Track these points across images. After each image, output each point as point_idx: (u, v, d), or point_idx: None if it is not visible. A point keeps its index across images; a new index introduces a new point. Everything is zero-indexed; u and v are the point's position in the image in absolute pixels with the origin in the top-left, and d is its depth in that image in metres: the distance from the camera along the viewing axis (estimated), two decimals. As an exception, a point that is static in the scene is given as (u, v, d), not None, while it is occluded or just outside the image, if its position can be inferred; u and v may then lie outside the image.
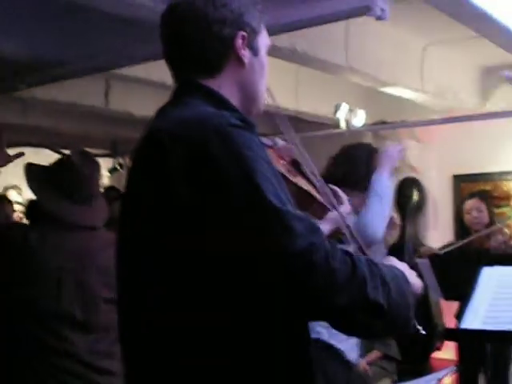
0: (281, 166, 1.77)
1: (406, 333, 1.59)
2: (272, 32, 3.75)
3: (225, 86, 1.62)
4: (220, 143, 1.42)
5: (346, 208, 2.13)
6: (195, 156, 1.42)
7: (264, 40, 1.71)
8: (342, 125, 6.02)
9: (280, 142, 1.89)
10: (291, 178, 1.70)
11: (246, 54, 1.64)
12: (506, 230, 5.60)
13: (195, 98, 1.58)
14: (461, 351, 5.26)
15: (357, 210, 3.16)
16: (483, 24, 3.98)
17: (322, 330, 2.97)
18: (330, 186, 2.06)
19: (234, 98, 1.63)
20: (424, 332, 2.15)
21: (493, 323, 2.35)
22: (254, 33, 1.66)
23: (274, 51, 4.70)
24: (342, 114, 6.00)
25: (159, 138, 1.48)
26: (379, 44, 5.19)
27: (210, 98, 1.58)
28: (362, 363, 4.63)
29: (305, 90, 6.32)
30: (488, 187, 6.73)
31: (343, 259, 1.41)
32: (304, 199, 1.92)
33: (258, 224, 1.37)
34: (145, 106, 5.25)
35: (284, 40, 4.30)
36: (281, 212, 1.38)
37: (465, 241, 5.16)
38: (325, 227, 1.98)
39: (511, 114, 5.52)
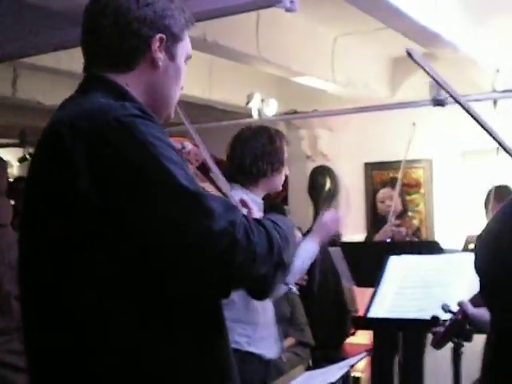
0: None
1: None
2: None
3: (133, 84, 1.60)
4: (123, 133, 1.41)
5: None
6: (97, 147, 1.41)
7: (185, 48, 1.70)
8: (255, 114, 6.04)
9: (189, 146, 1.88)
10: (199, 183, 1.69)
11: (161, 56, 1.62)
12: (415, 222, 5.72)
13: (99, 90, 1.56)
14: (374, 337, 5.38)
15: (281, 184, 3.25)
16: (391, 16, 4.05)
17: (241, 339, 2.98)
18: (241, 196, 2.05)
19: (140, 98, 1.60)
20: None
21: (398, 312, 2.41)
22: (173, 38, 1.64)
23: (185, 40, 4.67)
24: (254, 104, 6.01)
25: (59, 131, 1.46)
26: (290, 34, 5.22)
27: (114, 91, 1.56)
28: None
29: (218, 80, 6.31)
30: (398, 175, 6.87)
31: (259, 231, 1.46)
32: None
33: (177, 209, 1.37)
34: (53, 94, 5.15)
35: (194, 29, 4.25)
36: (197, 195, 1.39)
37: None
38: None
39: (420, 103, 5.64)
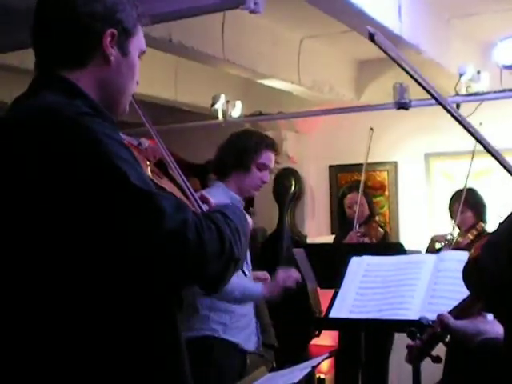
0: (145, 168, 1.74)
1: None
2: (146, 22, 3.71)
3: (84, 80, 1.58)
4: (73, 132, 1.40)
5: None
6: (48, 147, 1.39)
7: (138, 43, 1.68)
8: (220, 116, 6.04)
9: (146, 143, 1.87)
10: (155, 180, 1.68)
11: (113, 52, 1.60)
12: (381, 230, 5.74)
13: (50, 88, 1.54)
14: (338, 338, 5.41)
15: (258, 187, 3.42)
16: (355, 18, 4.07)
17: (217, 327, 3.08)
18: (201, 192, 2.05)
19: (92, 94, 1.58)
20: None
21: (359, 312, 2.42)
22: (125, 33, 1.62)
23: (149, 41, 4.63)
24: (219, 105, 6.01)
25: (9, 130, 1.45)
26: (256, 36, 5.23)
27: (65, 89, 1.54)
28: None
29: (184, 81, 6.29)
30: (362, 178, 6.91)
31: (210, 228, 1.46)
32: None
33: (128, 209, 1.37)
34: (17, 94, 5.08)
35: (159, 30, 4.26)
36: (148, 194, 1.39)
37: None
38: None
39: (383, 106, 5.68)
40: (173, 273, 1.42)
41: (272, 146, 3.37)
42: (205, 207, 1.77)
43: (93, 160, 1.38)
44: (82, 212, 1.38)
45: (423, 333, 1.83)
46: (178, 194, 1.87)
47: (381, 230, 5.63)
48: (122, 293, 1.45)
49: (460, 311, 1.75)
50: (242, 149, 3.28)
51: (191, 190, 1.90)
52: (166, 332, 1.55)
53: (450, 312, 1.77)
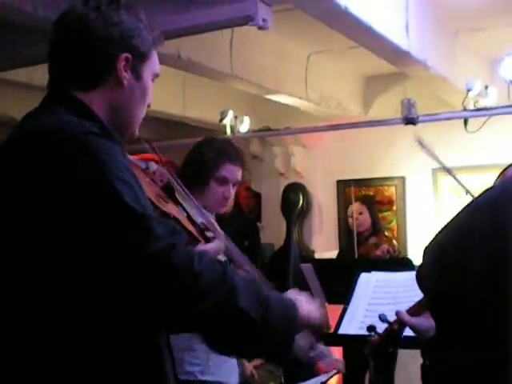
0: (151, 192, 1.73)
1: (283, 358, 1.57)
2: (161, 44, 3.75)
3: (97, 102, 1.60)
4: (78, 149, 1.41)
5: (218, 243, 1.97)
6: (52, 162, 1.41)
7: (152, 67, 1.69)
8: (228, 131, 6.06)
9: (154, 166, 1.86)
10: (160, 205, 1.68)
11: (126, 76, 1.62)
12: (394, 242, 5.76)
13: (61, 106, 1.55)
14: (345, 354, 5.38)
15: (221, 203, 3.05)
16: (363, 34, 4.08)
17: (193, 369, 2.77)
18: (210, 218, 2.01)
19: (104, 115, 1.60)
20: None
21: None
22: (140, 57, 1.64)
23: (158, 57, 4.67)
24: (227, 121, 6.03)
25: (18, 145, 1.47)
26: (264, 52, 5.25)
27: (76, 108, 1.56)
28: (249, 367, 4.66)
29: (192, 96, 6.32)
30: (371, 192, 6.92)
31: (211, 265, 1.43)
32: None
33: (117, 227, 1.37)
34: (26, 110, 5.11)
35: (168, 46, 4.29)
36: (139, 214, 1.39)
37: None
38: None
39: (391, 121, 5.69)
40: (157, 298, 1.38)
41: (235, 158, 3.00)
42: (210, 234, 1.75)
43: (91, 177, 1.40)
44: (73, 225, 1.39)
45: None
46: (184, 218, 1.86)
47: (394, 241, 5.65)
48: (101, 312, 1.44)
49: (415, 309, 1.93)
50: (201, 162, 2.95)
51: (197, 216, 1.88)
52: (145, 352, 1.51)
53: (407, 310, 1.91)
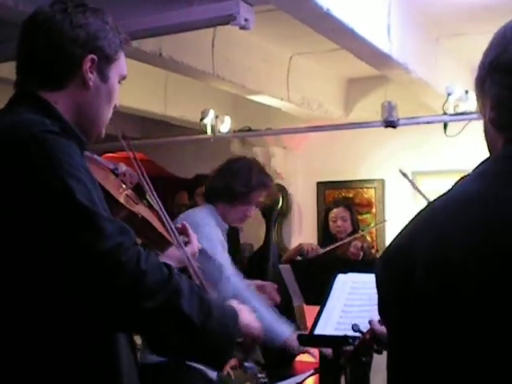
0: (119, 193, 1.73)
1: (218, 364, 1.61)
2: (137, 36, 3.73)
3: (62, 102, 1.62)
4: (34, 146, 1.43)
5: (192, 248, 2.03)
6: (10, 159, 1.44)
7: (118, 69, 1.71)
8: (209, 131, 6.05)
9: (123, 167, 1.87)
10: (128, 205, 1.68)
11: (92, 77, 1.64)
12: (368, 238, 5.81)
13: (25, 106, 1.58)
14: (321, 355, 5.39)
15: (242, 220, 3.25)
16: (345, 37, 4.09)
17: None
18: (182, 222, 2.02)
19: (69, 116, 1.62)
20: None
21: (344, 329, 2.43)
22: (106, 59, 1.66)
23: (139, 55, 4.68)
24: (208, 120, 6.03)
25: None
26: (246, 53, 5.25)
27: (40, 108, 1.58)
28: (226, 368, 4.67)
29: (173, 95, 6.31)
30: (350, 195, 6.94)
31: (158, 266, 1.45)
32: (142, 228, 1.84)
33: (67, 222, 1.39)
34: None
35: (150, 44, 4.28)
36: (90, 212, 1.40)
37: (327, 248, 5.31)
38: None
39: (372, 124, 5.71)
40: (103, 295, 1.39)
41: (268, 186, 3.23)
42: (182, 239, 1.75)
43: (43, 174, 1.41)
44: (24, 221, 1.41)
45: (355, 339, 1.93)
46: (155, 220, 1.86)
47: (367, 238, 5.69)
48: (52, 310, 1.46)
49: None
50: (244, 183, 3.14)
51: (168, 218, 1.89)
52: (100, 355, 1.53)
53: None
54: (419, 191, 4.48)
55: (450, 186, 1.24)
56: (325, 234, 5.80)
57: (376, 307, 2.20)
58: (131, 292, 1.39)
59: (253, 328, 1.71)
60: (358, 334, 2.25)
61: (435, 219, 1.17)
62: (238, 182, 3.16)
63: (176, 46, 4.53)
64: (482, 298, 1.05)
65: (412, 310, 1.14)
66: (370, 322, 1.92)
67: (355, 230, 5.59)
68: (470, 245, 1.07)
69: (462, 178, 1.21)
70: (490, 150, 1.27)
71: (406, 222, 1.27)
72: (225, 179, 3.19)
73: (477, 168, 1.20)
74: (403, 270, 1.16)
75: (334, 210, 5.66)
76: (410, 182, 2.43)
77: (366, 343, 1.91)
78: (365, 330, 2.15)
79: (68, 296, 1.42)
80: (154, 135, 6.99)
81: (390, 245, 1.24)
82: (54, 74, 1.62)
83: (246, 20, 3.35)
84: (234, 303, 1.72)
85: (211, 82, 5.32)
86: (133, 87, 5.76)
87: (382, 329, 1.84)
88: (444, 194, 1.23)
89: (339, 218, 5.57)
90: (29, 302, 1.44)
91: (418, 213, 1.25)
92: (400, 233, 1.24)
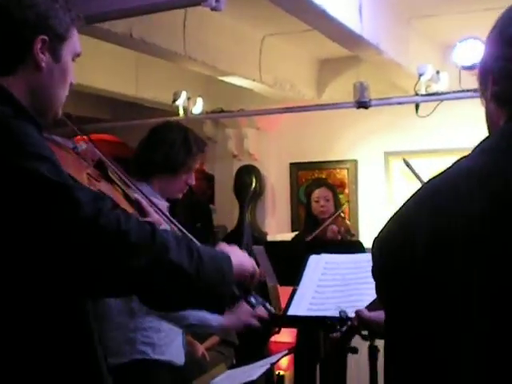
0: (80, 171, 1.72)
1: (219, 307, 1.63)
2: (108, 17, 3.69)
3: (15, 85, 1.59)
4: None
5: (153, 219, 1.98)
6: None
7: (71, 47, 1.69)
8: (181, 112, 6.02)
9: (83, 146, 1.85)
10: (90, 184, 1.67)
11: (44, 58, 1.61)
12: (348, 222, 5.82)
13: None
14: (297, 336, 5.43)
15: (182, 190, 3.08)
16: (316, 18, 4.09)
17: (145, 348, 2.86)
18: (163, 203, 2.00)
19: (24, 99, 1.60)
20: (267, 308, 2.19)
21: (317, 310, 2.44)
22: (58, 39, 1.63)
23: (109, 36, 4.62)
24: (180, 102, 5.99)
25: None
26: (218, 34, 5.22)
27: None
28: (201, 349, 4.68)
29: (145, 77, 6.26)
30: (323, 175, 6.97)
31: (139, 224, 1.45)
32: None
33: (40, 200, 1.38)
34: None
35: (120, 26, 4.24)
36: (62, 187, 1.40)
37: (313, 234, 5.31)
38: None
39: (344, 105, 5.72)
40: (91, 262, 1.39)
41: (204, 150, 3.12)
42: (148, 218, 1.74)
43: (4, 161, 1.39)
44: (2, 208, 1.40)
45: (342, 326, 1.93)
46: (119, 196, 1.85)
47: (347, 221, 5.70)
48: (37, 290, 1.46)
49: (374, 303, 1.92)
50: (173, 152, 3.00)
51: (132, 193, 1.88)
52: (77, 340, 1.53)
53: (367, 306, 1.91)
54: (422, 182, 4.49)
55: (447, 166, 1.24)
56: (308, 215, 5.78)
57: (349, 287, 2.21)
58: (118, 253, 1.39)
59: (246, 265, 1.72)
60: (333, 314, 2.26)
61: (434, 197, 1.18)
62: (180, 151, 3.02)
63: (147, 28, 4.49)
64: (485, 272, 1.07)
65: (413, 286, 1.15)
66: (358, 312, 1.92)
67: (336, 210, 5.59)
68: (476, 217, 1.09)
69: (462, 158, 1.21)
70: (490, 131, 1.26)
71: (401, 204, 1.28)
72: (162, 150, 3.02)
73: (477, 147, 1.20)
74: (402, 246, 1.17)
75: (317, 191, 5.64)
76: (413, 171, 2.45)
77: (353, 330, 1.92)
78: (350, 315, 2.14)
79: (57, 275, 1.41)
80: (126, 117, 6.94)
81: (386, 225, 1.25)
82: (5, 58, 1.60)
83: (217, 1, 3.32)
84: (223, 246, 1.73)
85: (183, 64, 5.29)
86: (104, 69, 5.72)
87: (371, 316, 1.86)
88: (441, 172, 1.23)
89: (322, 198, 5.55)
90: (12, 292, 1.43)
91: (415, 192, 1.25)
92: (397, 212, 1.24)
